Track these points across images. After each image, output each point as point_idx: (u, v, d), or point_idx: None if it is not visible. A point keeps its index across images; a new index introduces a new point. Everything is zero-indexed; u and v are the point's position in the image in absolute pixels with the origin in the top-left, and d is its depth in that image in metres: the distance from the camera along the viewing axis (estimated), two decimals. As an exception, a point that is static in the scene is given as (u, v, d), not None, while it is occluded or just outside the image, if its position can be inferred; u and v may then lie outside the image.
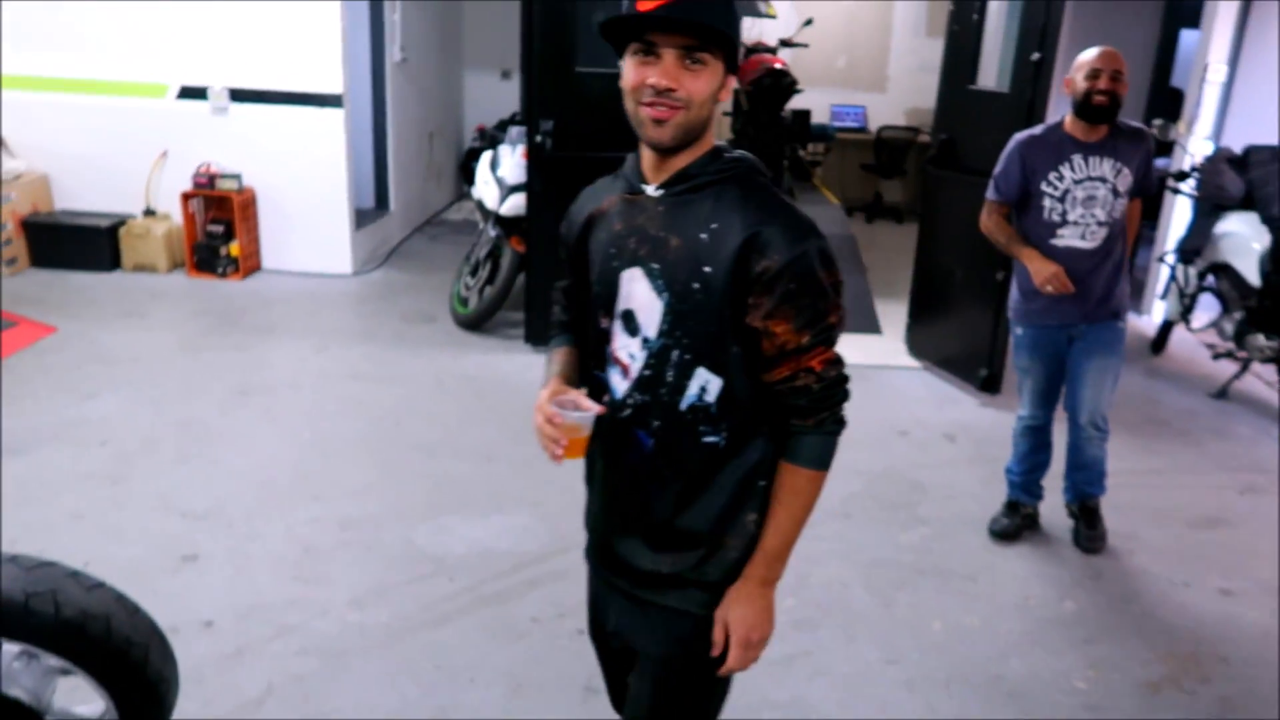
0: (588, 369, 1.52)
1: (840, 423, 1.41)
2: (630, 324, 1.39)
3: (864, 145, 8.48)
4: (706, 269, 1.30)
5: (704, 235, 1.31)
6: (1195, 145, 5.19)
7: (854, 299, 5.64)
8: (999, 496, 3.44)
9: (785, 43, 7.53)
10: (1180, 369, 5.17)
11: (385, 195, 6.92)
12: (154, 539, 3.05)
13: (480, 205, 5.28)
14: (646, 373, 1.38)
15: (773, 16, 7.70)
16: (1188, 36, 6.76)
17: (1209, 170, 4.60)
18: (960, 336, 4.71)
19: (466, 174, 8.31)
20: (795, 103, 7.36)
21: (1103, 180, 2.95)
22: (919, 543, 3.31)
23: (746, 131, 7.07)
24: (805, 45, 7.54)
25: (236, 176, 5.82)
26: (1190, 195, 4.89)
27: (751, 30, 7.90)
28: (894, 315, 5.47)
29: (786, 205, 1.35)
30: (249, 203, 5.92)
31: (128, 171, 5.96)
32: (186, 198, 5.81)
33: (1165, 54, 6.44)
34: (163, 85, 5.85)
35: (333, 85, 5.75)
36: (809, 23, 7.43)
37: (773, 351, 1.33)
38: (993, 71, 4.58)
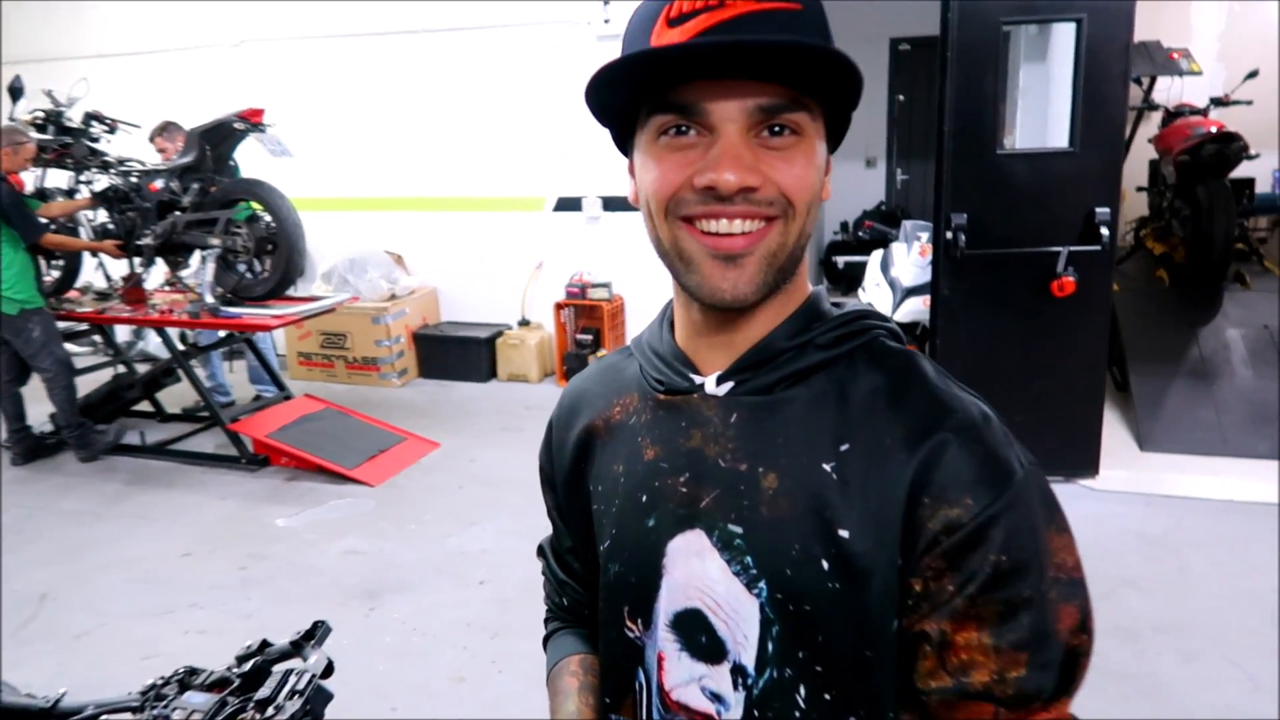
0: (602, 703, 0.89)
1: None
2: (699, 638, 0.77)
3: (1319, 217, 6.87)
4: (844, 533, 0.71)
5: (829, 467, 0.72)
6: None
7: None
8: None
9: (1219, 101, 6.29)
10: None
11: (749, 297, 6.55)
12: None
13: (868, 310, 4.68)
14: None
15: (1197, 73, 6.49)
16: None
17: None
18: None
19: (828, 271, 7.81)
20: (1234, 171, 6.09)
21: None
22: None
23: (1176, 209, 5.90)
24: (1249, 103, 6.25)
25: (607, 285, 5.71)
26: None
27: (1170, 90, 6.73)
28: None
29: (974, 401, 0.74)
30: (617, 310, 5.78)
31: (506, 283, 6.07)
32: (559, 307, 5.78)
33: None
34: (540, 198, 5.92)
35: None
36: (1254, 74, 6.15)
37: (944, 682, 0.69)
38: None
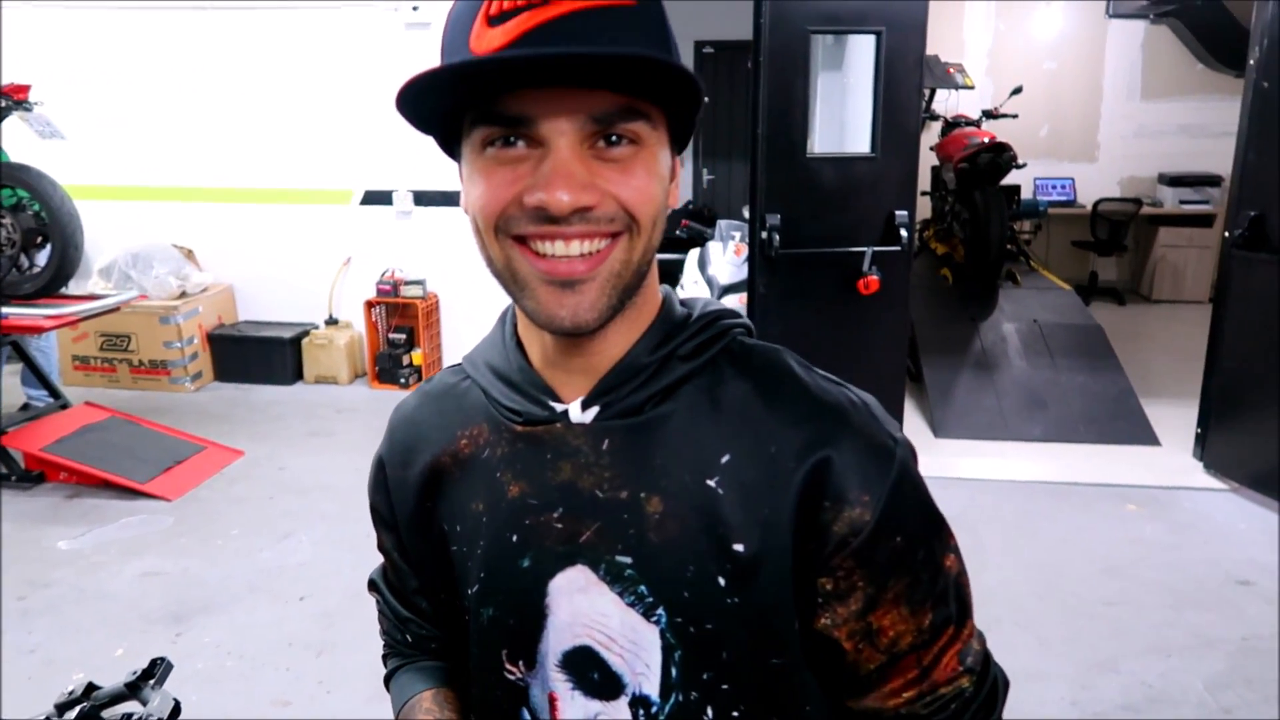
0: None
1: None
2: (591, 675, 0.76)
3: (1075, 220, 7.67)
4: (738, 547, 0.70)
5: (714, 481, 0.71)
6: None
7: (1115, 401, 4.83)
8: None
9: (990, 114, 6.88)
10: None
11: (565, 294, 6.54)
12: (371, 734, 2.55)
13: (685, 307, 4.78)
14: None
15: (970, 87, 7.08)
16: None
17: None
18: (1286, 453, 3.85)
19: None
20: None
21: None
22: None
23: (956, 212, 6.41)
24: (1014, 116, 6.87)
25: (420, 282, 5.53)
26: None
27: (947, 102, 7.29)
28: (1169, 421, 4.63)
29: (841, 390, 0.75)
30: (432, 309, 5.62)
31: (311, 280, 5.76)
32: (370, 305, 5.55)
33: None
34: (347, 191, 5.66)
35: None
36: (1018, 90, 6.76)
37: (878, 661, 0.74)
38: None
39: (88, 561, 3.48)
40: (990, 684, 0.78)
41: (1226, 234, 4.03)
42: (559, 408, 0.74)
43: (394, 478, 0.84)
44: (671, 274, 6.56)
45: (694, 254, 4.81)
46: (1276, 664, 2.86)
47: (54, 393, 4.66)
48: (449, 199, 5.53)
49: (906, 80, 4.02)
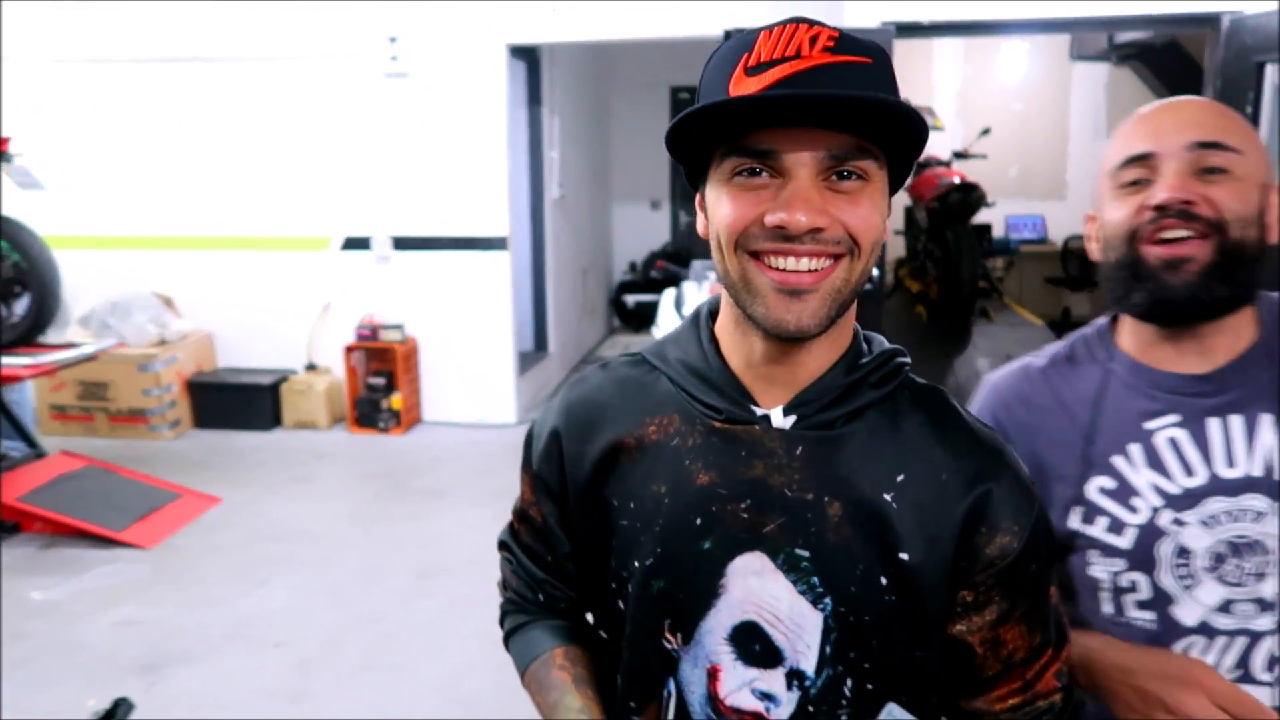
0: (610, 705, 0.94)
1: None
2: (754, 647, 0.86)
3: (1046, 257, 7.80)
4: (904, 555, 0.82)
5: (890, 496, 0.83)
6: None
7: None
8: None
9: (960, 155, 7.04)
10: None
11: (544, 337, 6.59)
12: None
13: (662, 347, 4.82)
14: None
15: (941, 129, 7.24)
16: None
17: None
18: None
19: (618, 309, 7.99)
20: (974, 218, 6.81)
21: (1256, 487, 1.01)
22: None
23: (929, 250, 6.52)
24: (984, 156, 7.02)
25: (399, 327, 5.56)
26: None
27: (918, 144, 7.45)
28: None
29: (992, 432, 0.89)
30: (411, 353, 5.64)
31: (290, 326, 5.78)
32: (349, 351, 5.57)
33: None
34: (326, 238, 5.70)
35: (498, 228, 5.48)
36: (987, 132, 6.92)
37: (996, 669, 0.87)
38: None
39: (62, 613, 3.45)
40: (1075, 702, 0.92)
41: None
42: (760, 411, 0.85)
43: (570, 451, 0.92)
44: (644, 315, 6.62)
45: (669, 294, 4.85)
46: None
47: (29, 442, 4.64)
48: (428, 244, 5.58)
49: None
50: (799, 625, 0.84)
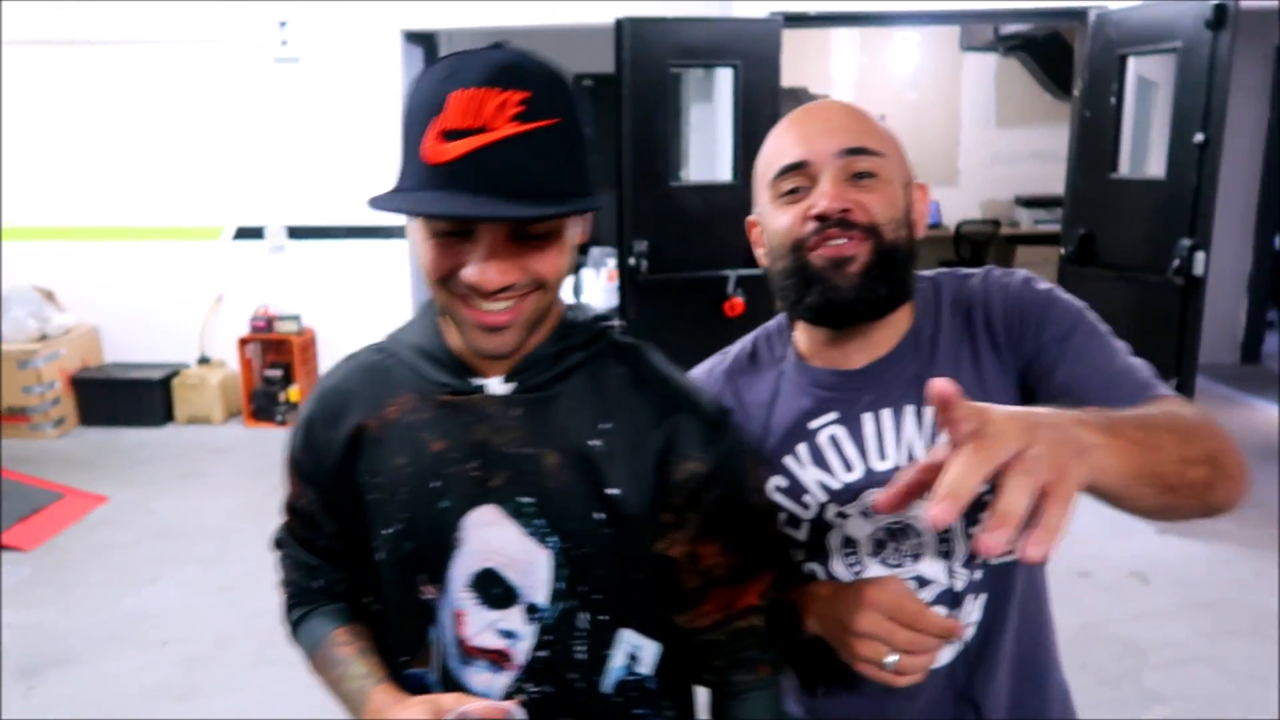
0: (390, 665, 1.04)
1: (787, 659, 1.04)
2: (493, 590, 0.97)
3: (941, 241, 8.04)
4: (613, 490, 0.94)
5: (597, 442, 0.95)
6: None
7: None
8: (1233, 656, 2.83)
9: (856, 142, 7.19)
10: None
11: (448, 325, 6.53)
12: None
13: (562, 334, 4.85)
14: (542, 654, 0.97)
15: (838, 116, 7.39)
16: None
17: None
18: (1123, 454, 4.12)
19: (525, 296, 7.97)
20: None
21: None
22: (1162, 729, 2.69)
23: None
24: (878, 144, 7.20)
25: (295, 317, 5.46)
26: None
27: (817, 131, 7.59)
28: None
29: (691, 382, 1.03)
30: (309, 344, 5.54)
31: (181, 319, 5.62)
32: (243, 343, 5.44)
33: (1277, 133, 6.00)
34: (217, 227, 5.55)
35: (396, 217, 5.39)
36: (882, 119, 7.10)
37: (696, 584, 0.98)
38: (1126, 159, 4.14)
39: (-67, 619, 3.31)
40: (791, 639, 1.01)
41: (1062, 251, 4.32)
42: (478, 382, 0.95)
43: (322, 438, 1.01)
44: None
45: (568, 280, 4.89)
46: (1107, 649, 3.07)
47: (-102, 444, 4.43)
48: (324, 233, 5.48)
49: (764, 110, 4.20)
50: (530, 564, 0.95)
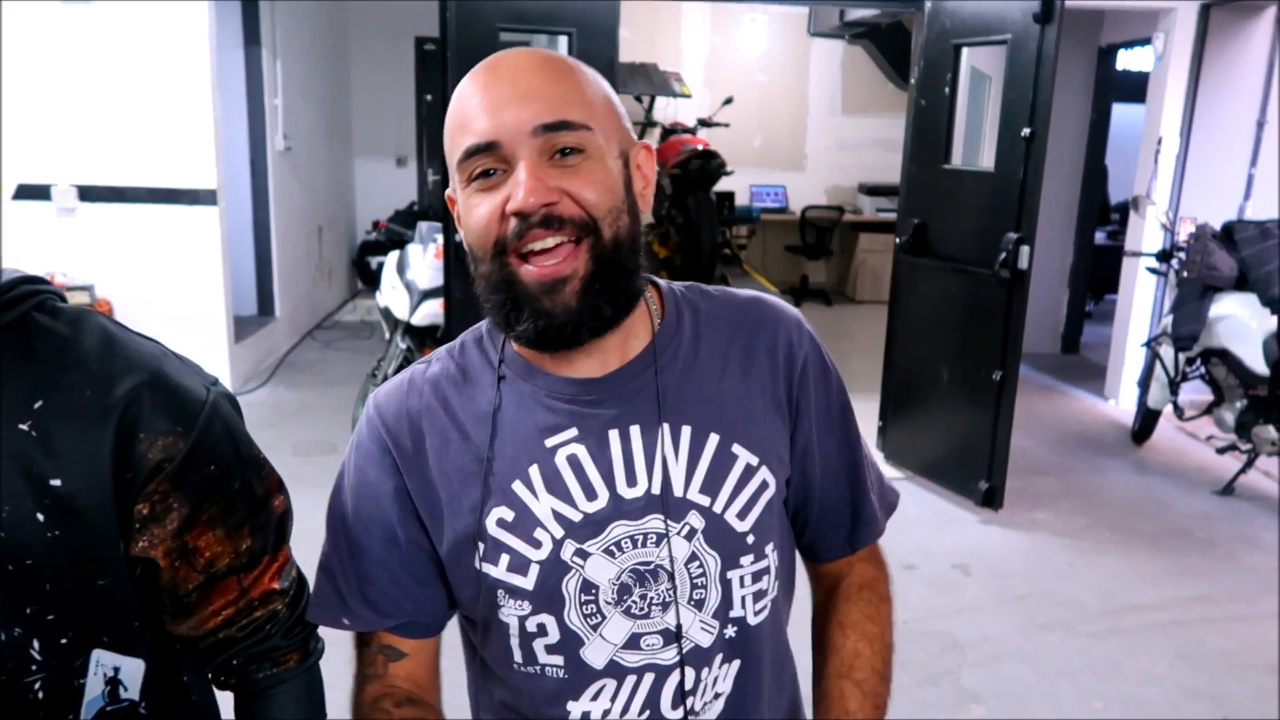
0: None
1: (320, 639, 0.95)
2: None
3: (787, 226, 8.10)
4: (55, 482, 0.77)
5: (26, 426, 0.77)
6: (1170, 225, 4.87)
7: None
8: (1046, 651, 2.87)
9: (704, 122, 7.12)
10: (1170, 461, 4.76)
11: (270, 299, 6.08)
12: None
13: (387, 314, 4.53)
14: None
15: (688, 95, 7.30)
16: (1121, 111, 6.61)
17: (1197, 249, 4.25)
18: (950, 442, 4.17)
19: (361, 270, 7.56)
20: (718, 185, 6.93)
21: (654, 507, 0.89)
22: (978, 727, 2.68)
23: (672, 217, 6.56)
24: (726, 125, 7.14)
25: (88, 288, 4.93)
26: (1174, 276, 4.54)
27: (667, 109, 7.47)
28: (863, 416, 4.90)
29: (156, 345, 0.87)
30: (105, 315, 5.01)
31: (-50, 286, 4.98)
32: (25, 315, 4.87)
33: (1098, 131, 6.26)
34: (-6, 184, 4.94)
35: (205, 180, 4.95)
36: (729, 101, 7.03)
37: (197, 582, 0.85)
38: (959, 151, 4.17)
39: None
40: (300, 601, 0.92)
41: (897, 240, 4.32)
42: None
43: None
44: (373, 277, 6.25)
45: (393, 256, 4.56)
46: (928, 646, 3.06)
47: None
48: (121, 194, 4.96)
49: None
50: None
